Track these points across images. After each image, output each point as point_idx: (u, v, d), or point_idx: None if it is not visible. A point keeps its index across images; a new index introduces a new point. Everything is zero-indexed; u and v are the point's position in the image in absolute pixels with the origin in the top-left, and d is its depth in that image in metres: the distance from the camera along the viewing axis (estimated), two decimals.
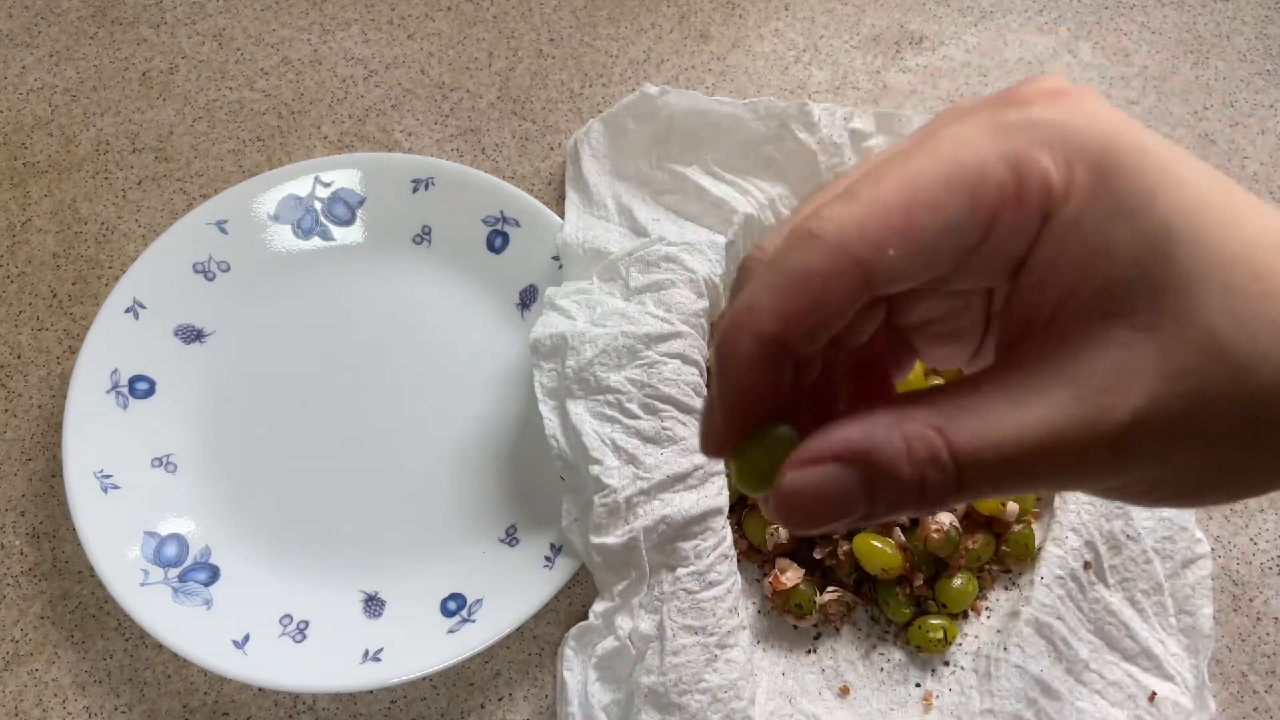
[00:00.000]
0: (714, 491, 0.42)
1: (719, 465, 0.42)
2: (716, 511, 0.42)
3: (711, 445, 0.20)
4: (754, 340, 0.18)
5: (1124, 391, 0.17)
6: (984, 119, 0.18)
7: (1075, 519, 0.43)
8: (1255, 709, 0.43)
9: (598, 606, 0.42)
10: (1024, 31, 0.60)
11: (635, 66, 0.58)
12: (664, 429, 0.42)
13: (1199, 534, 0.44)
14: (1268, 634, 0.45)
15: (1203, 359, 0.17)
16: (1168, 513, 0.44)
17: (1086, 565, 0.42)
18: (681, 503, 0.41)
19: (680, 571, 0.41)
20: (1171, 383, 0.17)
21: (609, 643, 0.41)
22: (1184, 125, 0.57)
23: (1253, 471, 0.18)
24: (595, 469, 0.42)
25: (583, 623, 0.42)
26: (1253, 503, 0.47)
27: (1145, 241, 0.17)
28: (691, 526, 0.41)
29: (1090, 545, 0.43)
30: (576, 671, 0.41)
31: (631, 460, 0.42)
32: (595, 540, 0.41)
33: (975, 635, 0.43)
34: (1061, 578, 0.42)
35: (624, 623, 0.41)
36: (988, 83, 0.58)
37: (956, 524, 0.42)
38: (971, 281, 0.19)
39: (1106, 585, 0.42)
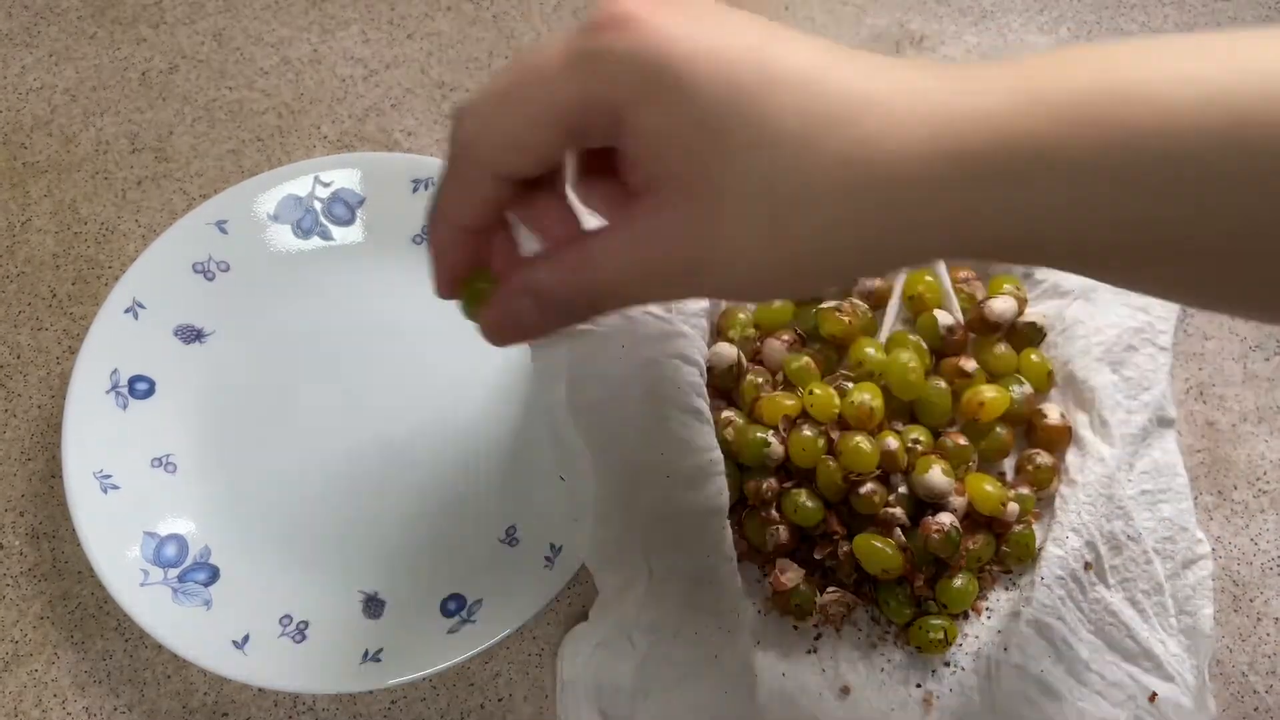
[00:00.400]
0: (714, 492, 0.42)
1: (720, 466, 0.42)
2: (717, 511, 0.42)
3: (441, 292, 0.32)
4: (448, 227, 0.29)
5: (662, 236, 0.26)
6: (566, 49, 0.25)
7: (1076, 519, 0.43)
8: (1256, 709, 0.43)
9: (597, 607, 0.42)
10: (1025, 31, 0.60)
11: None
12: (662, 426, 0.42)
13: (1200, 534, 0.44)
14: (1268, 634, 0.45)
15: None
16: (1168, 513, 0.44)
17: (1087, 566, 0.42)
18: (683, 501, 0.41)
19: (685, 571, 0.41)
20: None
21: (610, 641, 0.41)
22: None
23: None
24: (595, 469, 0.42)
25: (582, 623, 0.42)
26: (1253, 503, 0.47)
27: (682, 130, 0.23)
28: (692, 525, 0.41)
29: (1091, 545, 0.42)
30: (577, 670, 0.41)
31: (631, 460, 0.42)
32: (596, 539, 0.41)
33: (975, 635, 0.43)
34: (1062, 578, 0.42)
35: (624, 621, 0.41)
36: None
37: (957, 524, 0.42)
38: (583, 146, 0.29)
39: (1107, 586, 0.42)
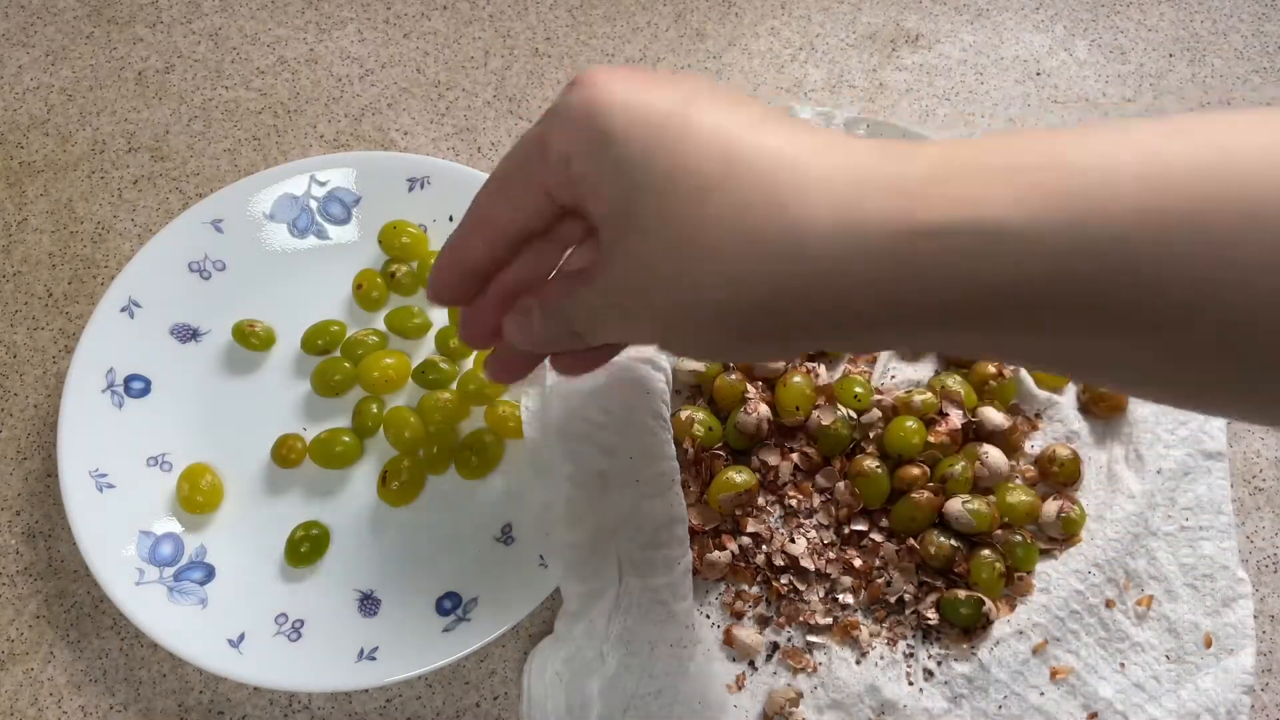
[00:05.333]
0: (676, 500, 0.42)
1: (677, 475, 0.43)
2: (680, 520, 0.42)
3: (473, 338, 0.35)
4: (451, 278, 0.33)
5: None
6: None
7: (1101, 554, 0.43)
8: (1253, 707, 0.43)
9: (563, 619, 0.42)
10: (1020, 29, 0.60)
11: (631, 65, 0.58)
12: (632, 431, 0.43)
13: (1241, 573, 0.44)
14: (1264, 632, 0.45)
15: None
16: (1208, 550, 0.44)
17: (1109, 603, 0.43)
18: (651, 508, 0.42)
19: (656, 582, 0.41)
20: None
21: (580, 655, 0.41)
22: None
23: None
24: (567, 469, 0.42)
25: (548, 637, 0.41)
26: (1248, 501, 0.47)
27: (607, 174, 0.26)
28: (660, 534, 0.41)
29: (1113, 582, 0.43)
30: (545, 686, 0.41)
31: (600, 463, 0.42)
32: (567, 540, 0.41)
33: (985, 662, 0.43)
34: (1077, 612, 0.42)
35: (594, 633, 0.41)
36: (984, 80, 0.58)
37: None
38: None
39: (1129, 621, 0.43)
